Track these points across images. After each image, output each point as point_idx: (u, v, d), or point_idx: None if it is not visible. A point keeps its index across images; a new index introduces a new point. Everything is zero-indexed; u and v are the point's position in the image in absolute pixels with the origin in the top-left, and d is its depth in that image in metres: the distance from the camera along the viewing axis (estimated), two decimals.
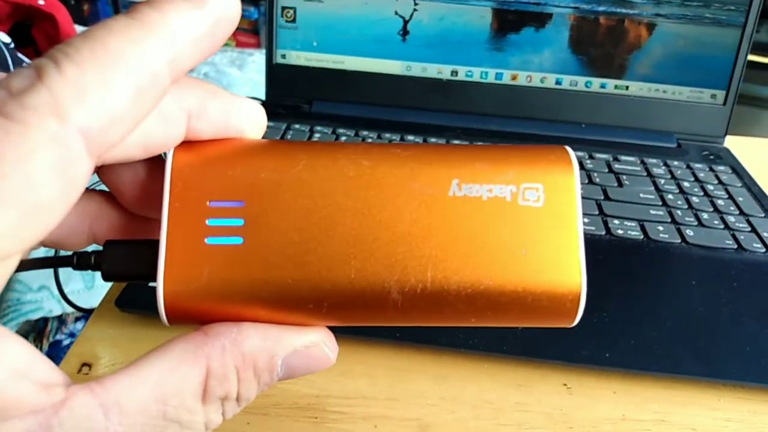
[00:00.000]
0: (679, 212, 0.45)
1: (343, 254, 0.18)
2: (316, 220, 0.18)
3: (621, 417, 0.31)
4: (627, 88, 0.57)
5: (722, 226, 0.44)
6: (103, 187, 0.20)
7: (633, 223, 0.43)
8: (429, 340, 0.34)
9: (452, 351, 0.33)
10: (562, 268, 0.18)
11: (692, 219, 0.45)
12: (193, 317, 0.18)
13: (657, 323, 0.35)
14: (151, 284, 0.18)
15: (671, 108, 0.57)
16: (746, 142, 0.61)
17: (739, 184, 0.50)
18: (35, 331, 0.69)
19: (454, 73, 0.57)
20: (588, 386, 0.33)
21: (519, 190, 0.18)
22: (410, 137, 0.54)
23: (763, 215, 0.46)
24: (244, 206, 0.18)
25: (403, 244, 0.18)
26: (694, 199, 0.47)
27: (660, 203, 0.46)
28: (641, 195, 0.47)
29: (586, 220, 0.43)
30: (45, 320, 0.70)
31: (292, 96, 0.58)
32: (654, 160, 0.53)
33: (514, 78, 0.57)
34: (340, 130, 0.54)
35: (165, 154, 0.18)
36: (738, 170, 0.52)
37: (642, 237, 0.42)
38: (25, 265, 0.20)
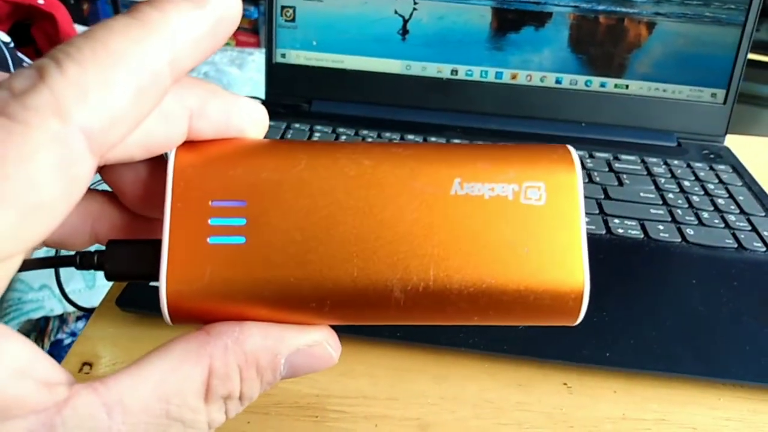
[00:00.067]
0: (679, 211, 0.45)
1: (345, 253, 0.18)
2: (317, 219, 0.18)
3: (621, 416, 0.31)
4: (627, 87, 0.57)
5: (722, 225, 0.44)
6: (106, 187, 0.20)
7: (633, 222, 0.43)
8: (429, 340, 0.34)
9: (452, 350, 0.34)
10: (565, 266, 0.18)
11: (692, 218, 0.45)
12: (196, 316, 0.18)
13: (657, 322, 0.35)
14: (153, 284, 0.18)
15: (671, 107, 0.57)
16: (746, 141, 0.61)
17: (740, 183, 0.50)
18: (36, 331, 0.69)
19: (454, 72, 0.57)
20: (588, 385, 0.33)
21: (521, 188, 0.18)
22: (410, 136, 0.54)
23: (763, 214, 0.46)
24: (246, 206, 0.18)
25: (405, 242, 0.18)
26: (695, 198, 0.47)
27: (660, 202, 0.46)
28: (641, 194, 0.47)
29: (586, 219, 0.43)
30: (46, 319, 0.70)
31: (291, 95, 0.58)
32: (654, 159, 0.53)
33: (513, 77, 0.57)
34: (340, 130, 0.54)
35: (167, 154, 0.18)
36: (738, 169, 0.52)
37: (642, 236, 0.42)
38: (28, 265, 0.20)
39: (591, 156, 0.53)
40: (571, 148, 0.19)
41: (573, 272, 0.18)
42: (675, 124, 0.57)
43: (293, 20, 0.57)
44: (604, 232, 0.42)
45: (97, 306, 0.36)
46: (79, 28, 0.99)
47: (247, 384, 0.18)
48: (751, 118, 1.93)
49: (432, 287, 0.18)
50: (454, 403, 0.31)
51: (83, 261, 0.20)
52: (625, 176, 0.50)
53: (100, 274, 0.19)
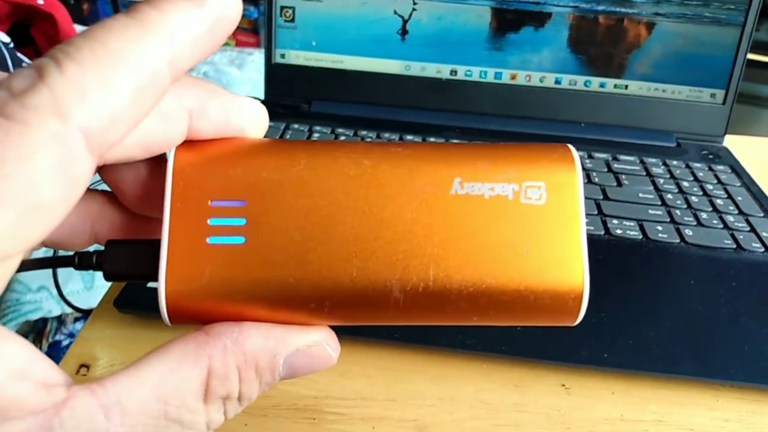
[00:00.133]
0: (678, 212, 0.45)
1: (345, 253, 0.18)
2: (317, 219, 0.18)
3: (619, 417, 0.31)
4: (626, 87, 0.57)
5: (721, 226, 0.44)
6: (105, 187, 0.20)
7: (632, 223, 0.43)
8: (427, 341, 0.34)
9: (450, 351, 0.33)
10: (565, 266, 0.18)
11: (691, 219, 0.45)
12: (195, 317, 0.18)
13: (655, 323, 0.35)
14: (152, 284, 0.18)
15: (670, 107, 0.57)
16: (746, 142, 0.61)
17: (738, 184, 0.50)
18: (34, 332, 0.69)
19: (453, 72, 0.57)
20: (586, 386, 0.33)
21: (521, 188, 0.18)
22: (409, 137, 0.54)
23: (762, 215, 0.46)
24: (245, 206, 0.18)
25: (404, 242, 0.18)
26: (693, 198, 0.47)
27: (659, 203, 0.46)
28: (640, 195, 0.47)
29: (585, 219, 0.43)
30: (44, 320, 0.70)
31: (291, 95, 0.58)
32: (653, 160, 0.53)
33: (513, 77, 0.57)
34: (340, 130, 0.54)
35: (166, 153, 0.18)
36: (737, 170, 0.52)
37: (641, 237, 0.42)
38: (27, 265, 0.20)
39: (590, 156, 0.53)
40: (571, 147, 0.19)
41: (573, 272, 0.18)
42: (674, 125, 0.57)
43: (293, 20, 0.57)
44: (602, 232, 0.42)
45: (94, 307, 0.36)
46: (79, 28, 0.99)
47: (246, 385, 0.18)
48: (750, 118, 1.94)
49: (431, 287, 0.18)
50: (452, 404, 0.31)
51: (82, 261, 0.20)
52: (623, 177, 0.50)
53: (99, 275, 0.19)
